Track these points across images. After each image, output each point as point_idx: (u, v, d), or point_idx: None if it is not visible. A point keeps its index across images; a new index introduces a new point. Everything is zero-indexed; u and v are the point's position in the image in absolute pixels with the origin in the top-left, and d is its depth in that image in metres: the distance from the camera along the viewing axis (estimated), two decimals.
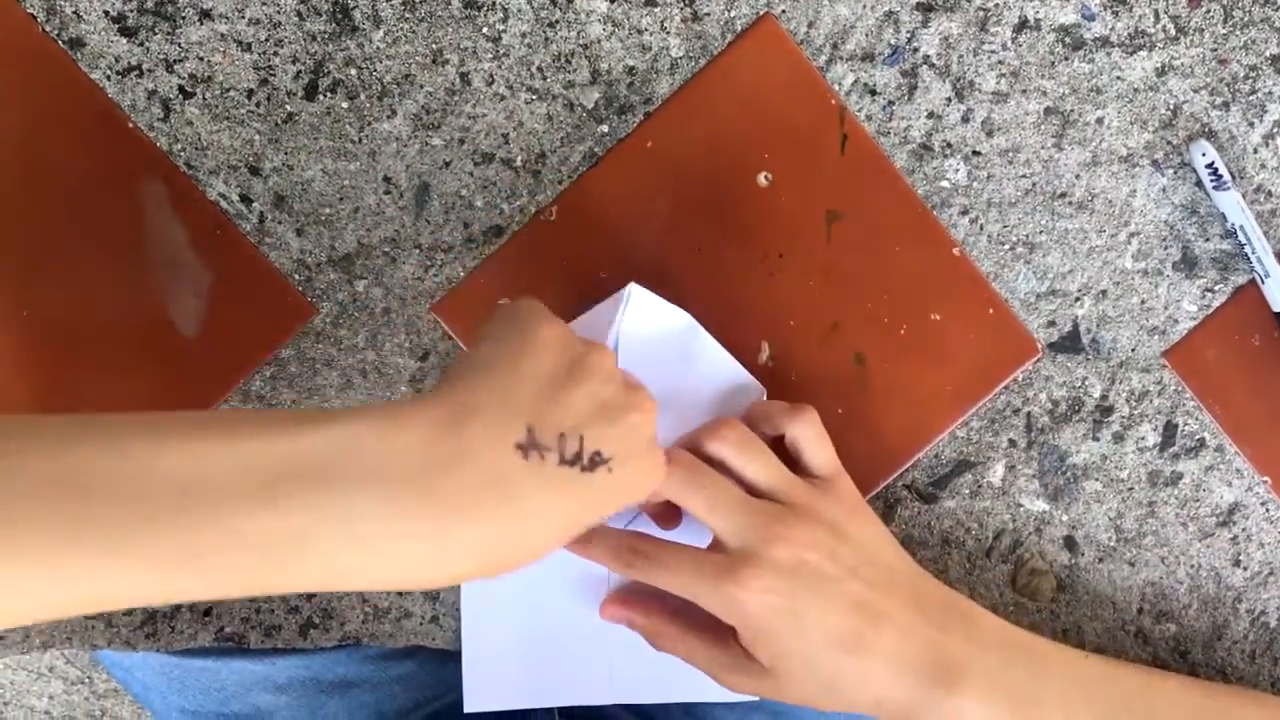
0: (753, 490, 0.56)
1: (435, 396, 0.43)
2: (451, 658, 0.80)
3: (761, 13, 0.59)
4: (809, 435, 0.58)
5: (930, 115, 0.60)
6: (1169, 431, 0.63)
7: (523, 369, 0.45)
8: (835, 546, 0.55)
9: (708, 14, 0.59)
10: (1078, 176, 0.61)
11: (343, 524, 0.39)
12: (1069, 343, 0.62)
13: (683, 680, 0.59)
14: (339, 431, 0.40)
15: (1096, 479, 0.64)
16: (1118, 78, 0.60)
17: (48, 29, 0.57)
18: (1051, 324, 0.62)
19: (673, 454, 0.55)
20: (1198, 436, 0.63)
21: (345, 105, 0.58)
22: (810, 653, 0.54)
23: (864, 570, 0.55)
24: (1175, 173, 0.61)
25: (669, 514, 0.60)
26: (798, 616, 0.53)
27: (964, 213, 0.61)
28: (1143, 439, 0.63)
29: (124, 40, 0.57)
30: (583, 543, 0.57)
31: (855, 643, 0.53)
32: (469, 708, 0.61)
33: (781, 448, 0.58)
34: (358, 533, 0.39)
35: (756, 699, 0.80)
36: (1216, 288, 0.62)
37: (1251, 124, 0.61)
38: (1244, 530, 0.64)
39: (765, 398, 0.61)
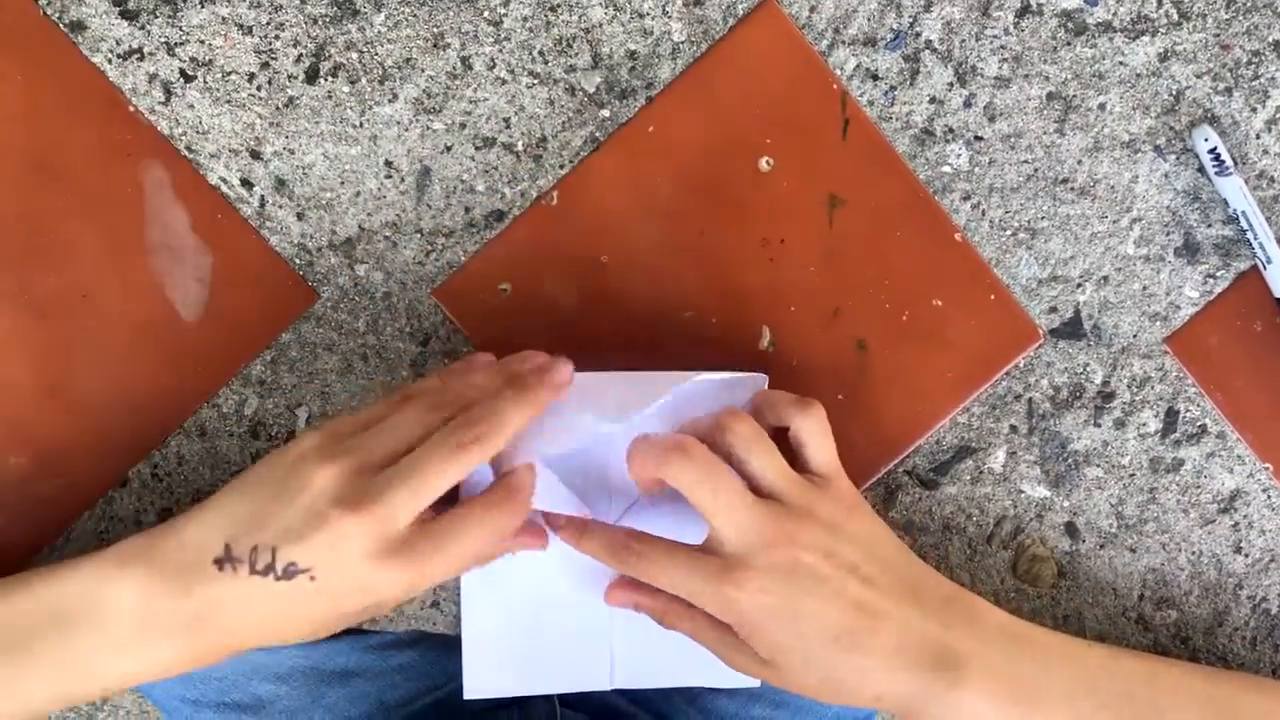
0: (754, 485, 0.56)
1: (160, 530, 0.52)
2: (453, 647, 0.80)
3: None
4: (814, 431, 0.58)
5: (932, 100, 0.60)
6: (1170, 418, 0.63)
7: (243, 492, 0.52)
8: (833, 546, 0.55)
9: None
10: (1080, 162, 0.61)
11: (80, 664, 0.51)
12: (1070, 329, 0.62)
13: (684, 665, 0.59)
14: (69, 586, 0.51)
15: (1098, 465, 0.63)
16: (1120, 63, 0.60)
17: (49, 12, 0.57)
18: (1053, 310, 0.62)
19: (687, 445, 0.55)
20: (1199, 423, 0.63)
21: (346, 89, 0.58)
22: (808, 651, 0.54)
23: (862, 568, 0.55)
24: (1177, 158, 0.61)
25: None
26: (794, 617, 0.53)
27: (966, 198, 0.61)
28: (1144, 425, 0.63)
29: (125, 23, 0.57)
30: (577, 537, 0.57)
31: (852, 641, 0.53)
32: (469, 694, 0.61)
33: (782, 438, 0.58)
34: (92, 670, 0.51)
35: (757, 686, 0.80)
36: (1218, 274, 0.62)
37: (1254, 109, 0.61)
38: (1245, 517, 0.64)
39: (767, 385, 0.61)
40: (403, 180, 0.59)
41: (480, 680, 0.61)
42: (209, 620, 0.50)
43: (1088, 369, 0.63)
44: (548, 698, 0.79)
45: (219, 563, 0.50)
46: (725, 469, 0.55)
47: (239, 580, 0.50)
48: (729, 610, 0.54)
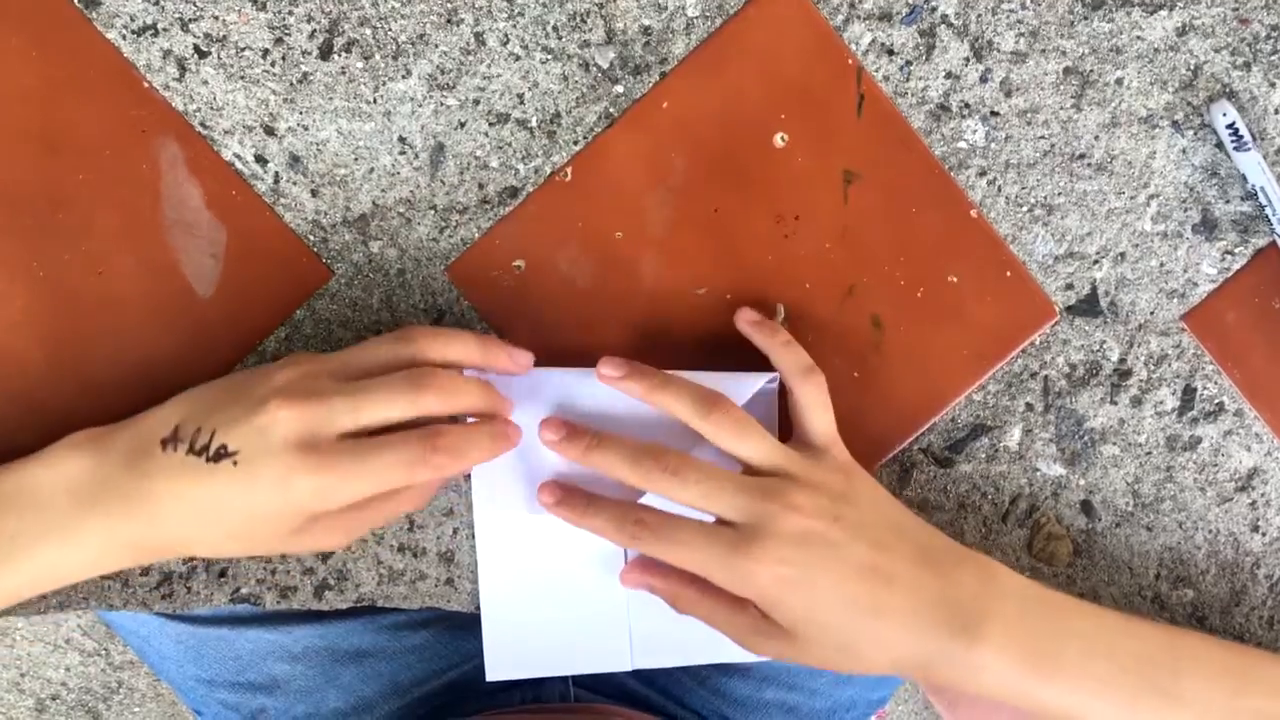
0: (749, 468, 0.56)
1: (124, 420, 0.55)
2: (467, 628, 0.80)
3: None
4: (815, 401, 0.58)
5: (948, 75, 0.60)
6: (1188, 395, 0.63)
7: (213, 386, 0.55)
8: (838, 511, 0.55)
9: None
10: (1097, 138, 0.61)
11: (36, 538, 0.52)
12: (1087, 306, 0.62)
13: (703, 643, 0.59)
14: (18, 469, 0.54)
15: (1114, 443, 0.63)
16: (1138, 37, 0.60)
17: None
18: (1069, 287, 0.62)
19: (656, 451, 0.55)
20: (1217, 400, 0.63)
21: (360, 65, 0.58)
22: (826, 618, 0.54)
23: (869, 532, 0.55)
24: (1195, 134, 0.61)
25: None
26: (812, 585, 0.53)
27: (982, 174, 0.61)
28: (1161, 403, 0.63)
29: None
30: (583, 513, 0.57)
31: (869, 604, 0.53)
32: (491, 676, 0.61)
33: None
34: (15, 555, 0.52)
35: (768, 662, 0.80)
36: (1236, 250, 0.62)
37: (1273, 84, 0.60)
38: (1263, 495, 0.64)
39: (777, 389, 0.61)
40: (416, 156, 0.59)
41: (502, 662, 0.62)
42: (141, 499, 0.52)
43: (1104, 346, 0.62)
44: (562, 678, 0.79)
45: (164, 443, 0.52)
46: (700, 463, 0.55)
47: (175, 459, 0.51)
48: (748, 584, 0.54)
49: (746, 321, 0.60)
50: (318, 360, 0.54)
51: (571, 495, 0.57)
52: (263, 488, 0.51)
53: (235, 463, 0.50)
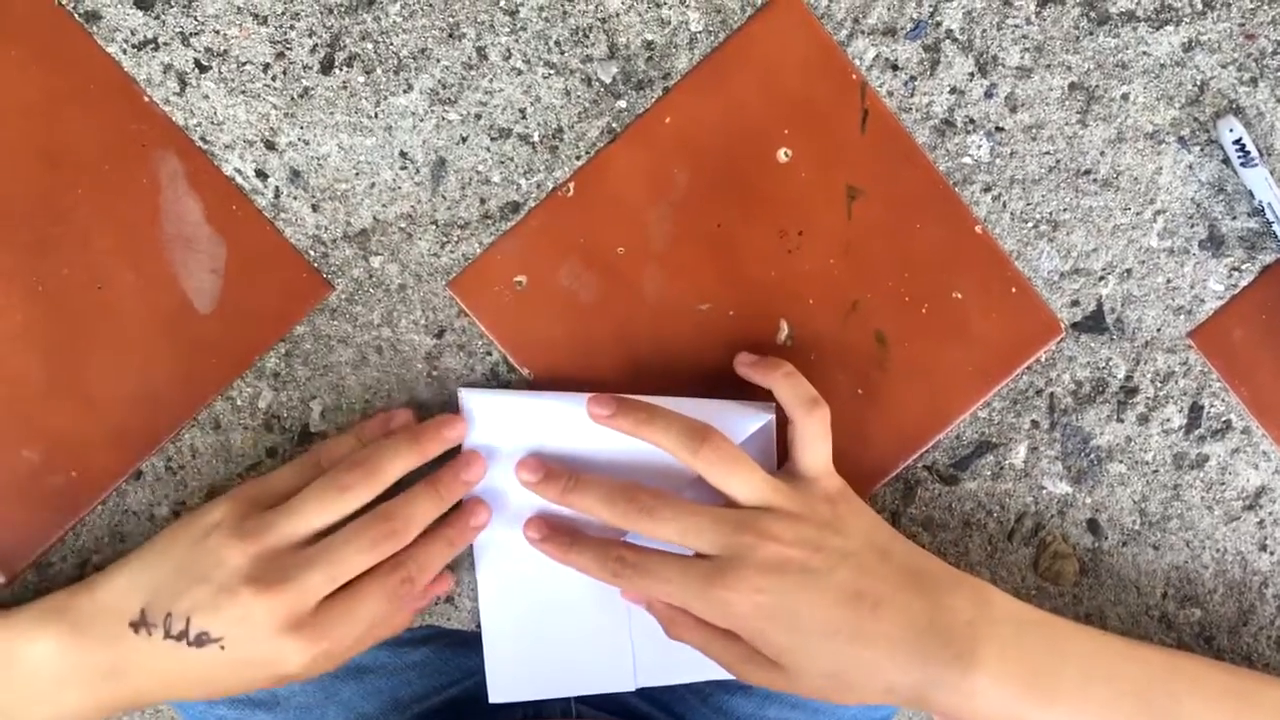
0: (735, 504, 0.56)
1: (76, 589, 0.56)
2: (468, 644, 0.80)
3: None
4: (816, 434, 0.58)
5: (953, 90, 0.60)
6: (1195, 413, 0.62)
7: (158, 557, 0.56)
8: (821, 539, 0.55)
9: None
10: (1103, 153, 0.60)
11: (25, 709, 0.55)
12: (1093, 322, 0.62)
13: (705, 660, 0.58)
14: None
15: (1120, 461, 0.63)
16: (1144, 53, 0.60)
17: (63, 2, 0.57)
18: (1075, 303, 0.61)
19: (631, 491, 0.56)
20: (1224, 418, 0.62)
21: (361, 79, 0.58)
22: (810, 647, 0.53)
23: (855, 558, 0.55)
24: (1202, 149, 0.60)
25: None
26: (790, 614, 0.53)
27: (986, 190, 0.60)
28: (1168, 421, 0.62)
29: (140, 13, 0.57)
30: (566, 551, 0.58)
31: (853, 632, 0.53)
32: (494, 698, 0.61)
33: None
34: (38, 713, 0.55)
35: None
36: (1243, 266, 0.61)
37: None
38: (1271, 514, 0.63)
39: (774, 422, 0.61)
40: (418, 171, 0.59)
41: (504, 684, 0.61)
42: (121, 677, 0.54)
43: (1110, 363, 0.62)
44: (564, 699, 0.78)
45: (135, 626, 0.54)
46: (676, 500, 0.56)
47: (153, 643, 0.53)
48: (725, 615, 0.54)
49: (745, 365, 0.59)
50: (262, 505, 0.56)
51: (556, 532, 0.59)
52: (256, 667, 0.54)
53: (222, 647, 0.53)
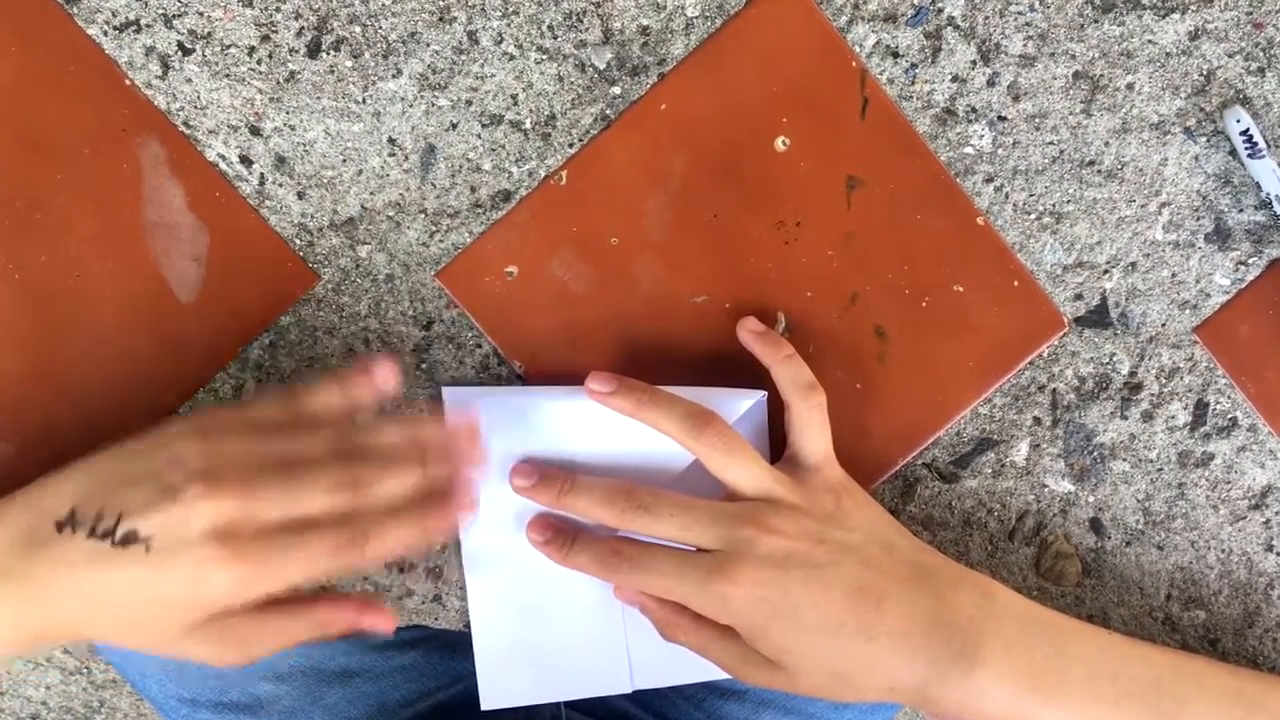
0: (735, 493, 0.55)
1: (13, 493, 0.50)
2: (455, 647, 0.79)
3: None
4: (813, 421, 0.57)
5: (954, 79, 0.58)
6: (1200, 410, 0.61)
7: (106, 460, 0.50)
8: (824, 532, 0.54)
9: None
10: (1107, 144, 0.59)
11: None
12: (1097, 317, 0.60)
13: (702, 661, 0.57)
14: None
15: (1124, 459, 0.61)
16: (1149, 41, 0.58)
17: None
18: (1079, 297, 0.60)
19: (628, 490, 0.55)
20: (1230, 416, 0.61)
21: (349, 64, 0.57)
22: (812, 644, 0.52)
23: (858, 552, 0.54)
24: (1208, 140, 0.59)
25: None
26: (793, 609, 0.52)
27: (989, 181, 0.59)
28: (1173, 418, 0.61)
29: None
30: (567, 553, 0.56)
31: (857, 627, 0.52)
32: (486, 705, 0.60)
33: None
34: None
35: (771, 692, 0.78)
36: (1250, 260, 0.60)
37: None
38: (1277, 514, 0.62)
39: (766, 405, 0.60)
40: (407, 159, 0.58)
41: (497, 690, 0.60)
42: (35, 587, 0.48)
43: (1114, 359, 0.61)
44: (553, 704, 0.77)
45: (59, 525, 0.48)
46: (672, 495, 0.54)
47: (74, 543, 0.48)
48: (725, 610, 0.53)
49: (749, 332, 0.58)
50: (227, 426, 0.51)
51: (559, 534, 0.57)
52: (173, 577, 0.48)
53: (147, 549, 0.47)
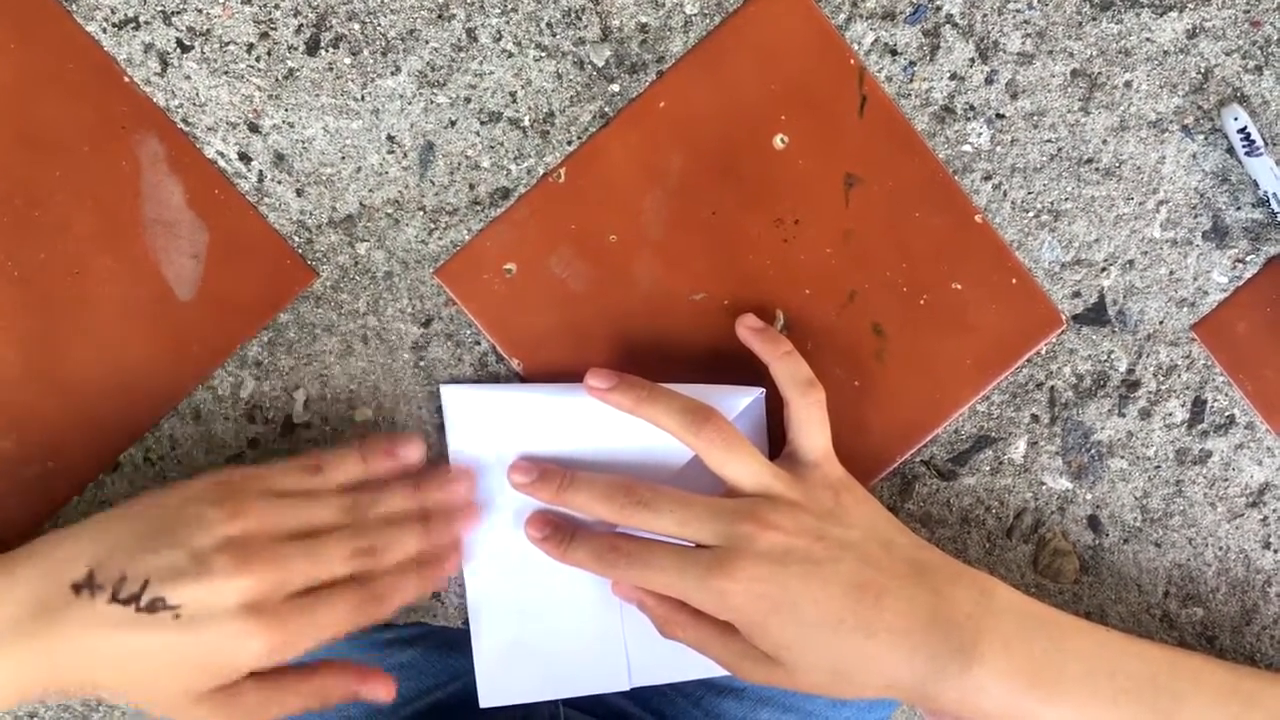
0: (735, 490, 0.55)
1: (25, 547, 0.50)
2: (454, 645, 0.78)
3: None
4: (812, 417, 0.57)
5: (953, 76, 0.58)
6: (1197, 407, 0.61)
7: (122, 520, 0.51)
8: (823, 529, 0.54)
9: None
10: (1105, 142, 0.59)
11: None
12: (1094, 314, 0.60)
13: (700, 658, 0.57)
14: None
15: (1122, 456, 0.61)
16: (1147, 39, 0.58)
17: None
18: (1076, 295, 0.60)
19: (628, 485, 0.55)
20: (1227, 413, 0.61)
21: (348, 61, 0.57)
22: (812, 640, 0.52)
23: (857, 548, 0.54)
24: (1206, 138, 0.59)
25: None
26: (792, 605, 0.52)
27: (987, 178, 0.59)
28: (1170, 415, 0.61)
29: None
30: (565, 550, 0.57)
31: (856, 623, 0.52)
32: (485, 703, 0.60)
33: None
34: None
35: (769, 690, 0.78)
36: (1248, 258, 0.60)
37: None
38: (1275, 511, 0.62)
39: (764, 403, 0.60)
40: (405, 156, 0.58)
41: (495, 688, 0.60)
42: (50, 647, 0.48)
43: (1112, 356, 0.61)
44: (551, 702, 0.77)
45: (77, 588, 0.48)
46: (670, 491, 0.55)
47: (94, 608, 0.48)
48: (724, 606, 0.53)
49: (748, 329, 0.58)
50: (250, 493, 0.52)
51: (557, 530, 0.57)
52: (204, 644, 0.49)
53: (176, 617, 0.48)
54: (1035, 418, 0.61)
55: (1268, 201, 0.58)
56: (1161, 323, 0.60)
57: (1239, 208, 0.60)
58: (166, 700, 0.51)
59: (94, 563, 0.49)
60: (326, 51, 0.56)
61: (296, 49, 0.56)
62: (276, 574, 0.50)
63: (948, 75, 0.58)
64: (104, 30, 0.56)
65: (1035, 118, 0.59)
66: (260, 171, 0.57)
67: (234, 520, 0.50)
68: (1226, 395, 0.61)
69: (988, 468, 0.61)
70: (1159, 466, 0.61)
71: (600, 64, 0.58)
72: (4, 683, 0.49)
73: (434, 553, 0.56)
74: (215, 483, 0.52)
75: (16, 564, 0.50)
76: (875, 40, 0.58)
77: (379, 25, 0.56)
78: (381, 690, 0.56)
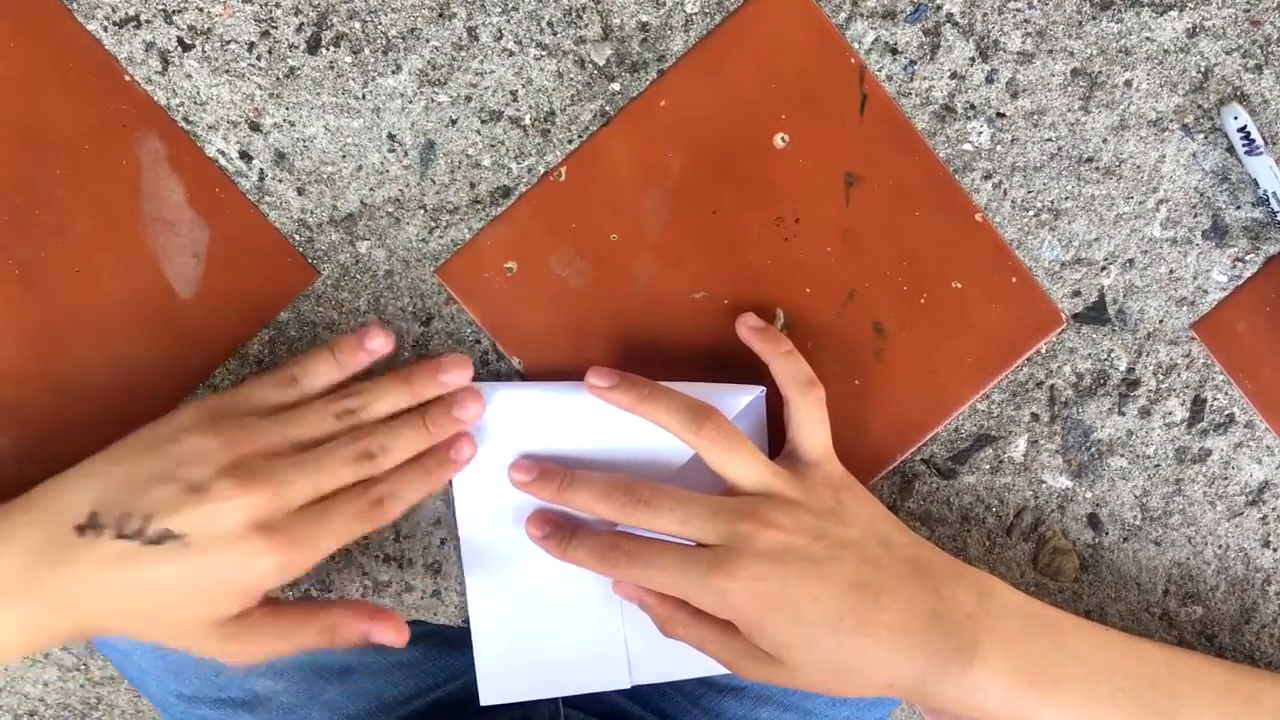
0: (735, 488, 0.55)
1: (23, 496, 0.51)
2: (454, 644, 0.78)
3: None
4: (812, 416, 0.57)
5: (953, 75, 0.58)
6: (1197, 406, 0.61)
7: (116, 459, 0.51)
8: (823, 528, 0.54)
9: None
10: (1105, 141, 0.59)
11: None
12: (1094, 313, 0.60)
13: (701, 657, 0.57)
14: None
15: (1122, 455, 0.61)
16: (1147, 38, 0.59)
17: None
18: (1076, 294, 0.60)
19: (628, 484, 0.55)
20: (1227, 412, 0.61)
21: (349, 59, 0.57)
22: (811, 639, 0.52)
23: (858, 547, 0.54)
24: (1206, 137, 0.59)
25: None
26: (792, 604, 0.52)
27: (987, 177, 0.59)
28: (1170, 414, 0.61)
29: None
30: (565, 548, 0.57)
31: (856, 622, 0.52)
32: (485, 700, 0.60)
33: None
34: None
35: (769, 689, 0.78)
36: (1247, 257, 0.60)
37: None
38: (1274, 510, 0.62)
39: (764, 402, 0.60)
40: (406, 154, 0.58)
41: (495, 686, 0.60)
42: (58, 590, 0.49)
43: (1112, 355, 0.61)
44: (551, 699, 0.77)
45: (80, 529, 0.49)
46: (671, 490, 0.55)
47: (100, 546, 0.48)
48: (724, 604, 0.53)
49: (748, 328, 0.58)
50: (235, 413, 0.52)
51: (558, 529, 0.57)
52: (217, 569, 0.49)
53: (186, 544, 0.49)
54: (1035, 416, 0.61)
55: (1267, 201, 0.58)
56: (1161, 322, 0.61)
57: (1239, 207, 0.60)
58: (182, 632, 0.51)
59: (95, 503, 0.49)
60: (327, 50, 0.56)
61: (297, 48, 0.56)
62: (278, 489, 0.50)
63: (948, 74, 0.58)
64: (105, 29, 0.56)
65: (1035, 117, 0.59)
66: (261, 170, 0.57)
67: (229, 446, 0.50)
68: (1226, 394, 0.61)
69: (988, 466, 0.62)
70: (1159, 465, 0.62)
71: (601, 63, 0.58)
72: (19, 630, 0.49)
73: (438, 447, 0.56)
74: (201, 412, 0.52)
75: (15, 513, 0.50)
76: (876, 39, 0.58)
77: (380, 24, 0.56)
78: (392, 632, 0.55)
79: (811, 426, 0.57)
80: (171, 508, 0.49)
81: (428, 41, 0.57)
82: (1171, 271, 0.60)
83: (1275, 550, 0.62)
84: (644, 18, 0.57)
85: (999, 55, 0.58)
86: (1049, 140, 0.59)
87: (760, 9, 0.57)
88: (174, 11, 0.56)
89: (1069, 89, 0.59)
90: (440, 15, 0.56)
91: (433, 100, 0.57)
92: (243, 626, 0.52)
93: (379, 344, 0.55)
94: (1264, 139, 0.58)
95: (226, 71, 0.56)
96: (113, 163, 0.56)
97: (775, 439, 0.60)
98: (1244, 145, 0.58)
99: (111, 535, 0.48)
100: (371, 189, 0.58)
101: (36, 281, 0.57)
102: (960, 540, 0.62)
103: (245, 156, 0.57)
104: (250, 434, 0.51)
